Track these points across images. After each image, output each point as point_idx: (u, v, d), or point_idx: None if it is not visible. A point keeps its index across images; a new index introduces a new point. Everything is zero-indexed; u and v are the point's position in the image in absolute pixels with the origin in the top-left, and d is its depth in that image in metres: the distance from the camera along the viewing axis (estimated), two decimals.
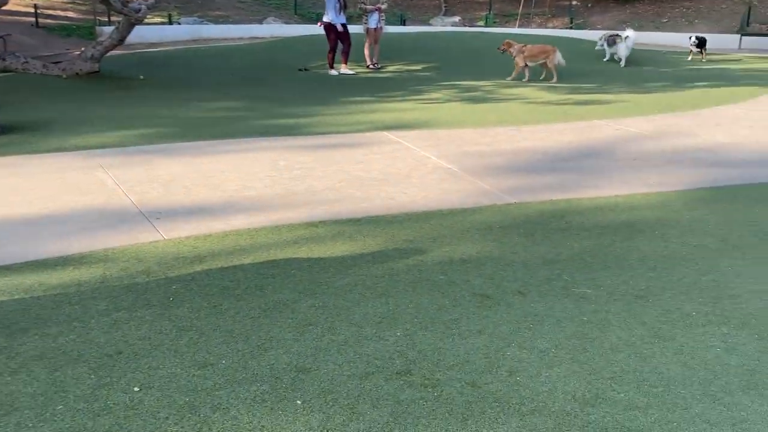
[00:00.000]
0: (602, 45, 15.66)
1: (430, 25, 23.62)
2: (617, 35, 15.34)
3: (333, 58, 12.74)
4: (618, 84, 11.96)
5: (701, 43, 16.21)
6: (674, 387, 2.73)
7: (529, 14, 24.53)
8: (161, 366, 2.87)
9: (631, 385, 2.75)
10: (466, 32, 18.75)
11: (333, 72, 12.68)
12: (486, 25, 23.64)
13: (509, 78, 12.17)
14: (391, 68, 13.55)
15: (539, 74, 12.42)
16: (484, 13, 25.05)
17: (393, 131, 7.91)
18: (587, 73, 13.33)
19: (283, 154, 6.75)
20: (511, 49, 12.11)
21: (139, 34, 16.55)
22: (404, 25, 22.89)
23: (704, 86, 11.66)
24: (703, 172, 6.23)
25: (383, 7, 13.23)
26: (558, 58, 12.10)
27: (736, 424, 2.49)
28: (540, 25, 23.94)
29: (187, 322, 3.26)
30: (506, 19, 24.96)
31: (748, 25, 21.54)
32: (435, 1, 26.97)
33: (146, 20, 13.14)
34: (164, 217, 4.81)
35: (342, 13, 12.66)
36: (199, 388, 2.70)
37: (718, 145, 7.34)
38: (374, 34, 13.28)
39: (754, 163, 6.58)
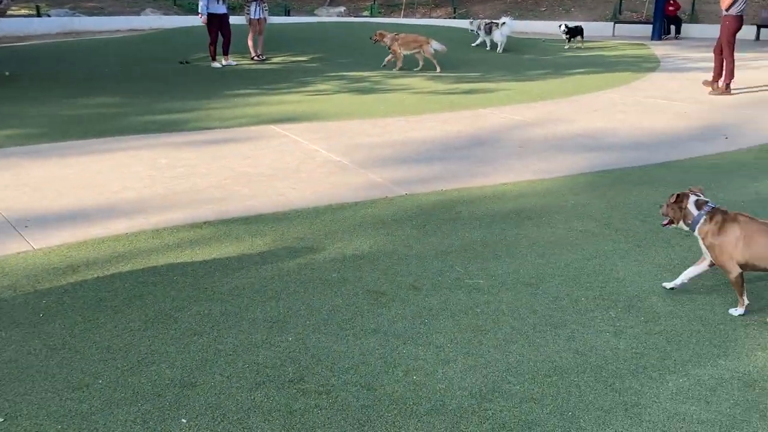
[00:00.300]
0: (477, 31, 15.98)
1: (315, 15, 23.38)
2: (493, 23, 15.74)
3: (215, 50, 12.32)
4: (501, 72, 12.23)
5: (573, 31, 16.81)
6: (568, 375, 2.75)
7: (414, 4, 24.75)
8: (30, 391, 2.61)
9: (526, 376, 2.74)
10: (353, 22, 18.69)
11: (216, 64, 12.27)
12: (371, 15, 23.67)
13: (395, 68, 12.19)
14: (276, 59, 13.27)
15: (426, 65, 12.49)
16: (369, 3, 25.04)
17: (280, 124, 7.72)
18: (471, 62, 13.56)
19: (164, 152, 6.43)
20: (385, 39, 12.14)
21: (1, 28, 15.41)
22: (288, 15, 22.54)
23: (582, 73, 12.11)
24: (584, 158, 6.43)
25: None
26: (434, 47, 12.16)
27: (628, 408, 2.53)
28: (424, 15, 24.20)
29: (59, 340, 3.00)
30: (391, 9, 25.06)
31: (620, 13, 22.64)
32: None
33: (10, 12, 12.22)
34: (33, 225, 4.45)
35: (222, 3, 12.24)
36: (73, 413, 2.47)
37: (596, 130, 7.61)
38: (257, 25, 12.95)
39: (629, 147, 6.85)
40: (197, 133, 7.32)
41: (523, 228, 4.48)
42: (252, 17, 12.92)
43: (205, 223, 4.53)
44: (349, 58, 12.92)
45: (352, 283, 3.62)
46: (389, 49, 12.16)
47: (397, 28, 16.92)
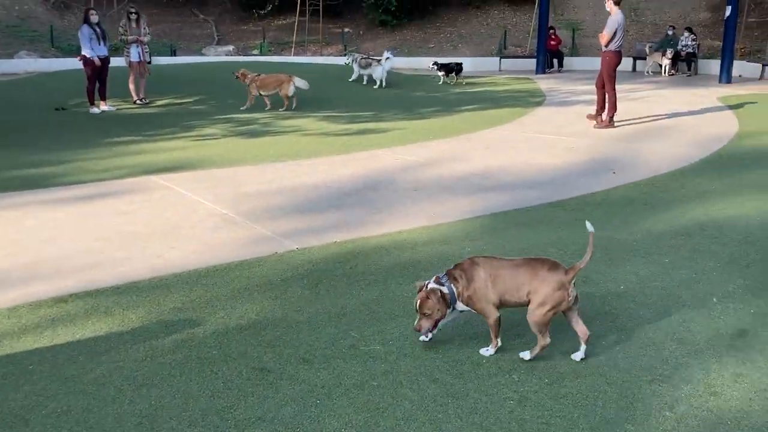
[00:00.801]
0: (353, 64, 16.03)
1: (202, 55, 22.85)
2: (372, 58, 15.95)
3: (93, 95, 11.65)
4: (394, 111, 12.18)
5: (447, 68, 17.06)
6: None
7: (304, 42, 24.65)
8: None
9: None
10: (241, 62, 18.29)
11: (94, 110, 11.60)
12: (261, 54, 23.37)
13: (242, 107, 11.93)
14: (160, 103, 12.71)
15: (307, 103, 12.28)
16: (258, 42, 24.75)
17: (163, 174, 7.26)
18: (364, 101, 13.48)
19: (31, 212, 5.85)
20: (246, 79, 11.93)
21: None
22: (175, 55, 21.91)
23: (472, 110, 12.24)
24: (478, 199, 6.33)
25: (145, 39, 12.38)
26: (294, 86, 11.98)
27: None
28: (315, 53, 24.14)
29: None
30: (281, 47, 24.86)
31: (505, 48, 23.36)
32: (207, 31, 26.21)
33: None
34: None
35: (102, 44, 11.63)
36: None
37: (489, 168, 7.58)
38: (138, 68, 12.38)
39: (522, 186, 6.83)
40: (70, 188, 6.75)
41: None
42: (132, 60, 12.34)
43: (70, 296, 4.05)
44: (237, 99, 12.50)
45: (236, 360, 3.26)
46: (248, 88, 11.99)
47: (287, 68, 16.72)
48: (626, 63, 20.90)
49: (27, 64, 18.92)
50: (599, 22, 25.51)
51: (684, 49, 18.91)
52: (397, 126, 10.45)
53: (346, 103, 13.08)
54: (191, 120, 10.90)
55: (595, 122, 10.41)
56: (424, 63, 22.31)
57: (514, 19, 26.25)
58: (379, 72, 15.46)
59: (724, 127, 10.12)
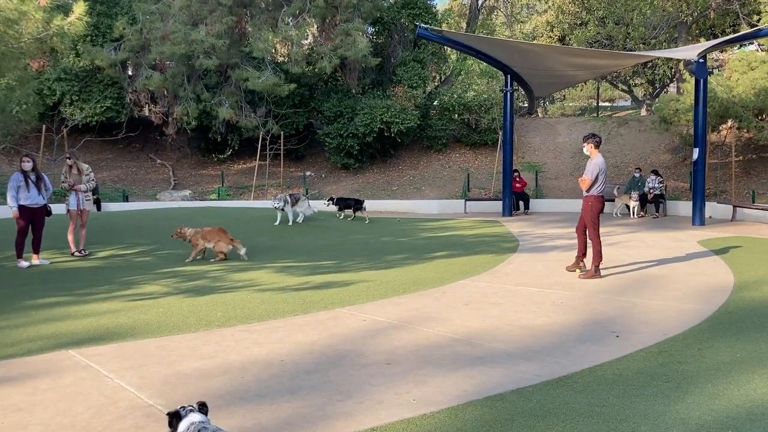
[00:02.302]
0: (279, 205, 15.35)
1: (157, 200, 21.99)
2: (298, 195, 15.55)
3: (21, 247, 10.46)
4: (358, 259, 11.22)
5: (344, 203, 17.30)
6: None
7: (264, 186, 24.08)
8: None
9: None
10: (195, 207, 17.43)
11: (22, 264, 10.36)
12: (219, 198, 22.62)
13: (187, 260, 10.92)
14: (102, 254, 11.53)
15: (264, 252, 11.26)
16: (216, 186, 24.09)
17: (84, 348, 6.02)
18: (326, 248, 12.53)
19: None
20: (186, 234, 11.15)
21: None
22: (127, 201, 21.01)
23: (443, 257, 11.34)
24: (467, 375, 5.21)
25: (82, 188, 11.41)
26: (232, 247, 11.15)
27: None
28: (276, 197, 23.50)
29: None
30: (240, 191, 24.23)
31: (469, 191, 23.04)
32: (164, 176, 25.56)
33: None
34: None
35: (36, 193, 10.58)
36: None
37: (473, 332, 6.52)
38: (77, 216, 11.32)
39: (516, 355, 5.75)
40: None
41: None
42: (70, 208, 11.31)
43: None
44: (187, 248, 11.45)
45: None
46: (190, 242, 11.17)
47: (245, 212, 15.87)
48: None
49: None
50: (560, 164, 25.68)
51: (651, 191, 18.70)
52: (363, 277, 9.43)
53: (307, 251, 12.10)
54: (131, 275, 9.72)
55: (578, 271, 9.57)
56: (389, 206, 21.81)
57: (476, 162, 26.27)
58: (306, 207, 15.67)
59: (718, 276, 9.33)
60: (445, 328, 6.68)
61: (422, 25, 17.67)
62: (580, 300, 7.94)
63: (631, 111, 40.56)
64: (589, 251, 9.59)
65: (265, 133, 24.02)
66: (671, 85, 38.92)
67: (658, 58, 27.27)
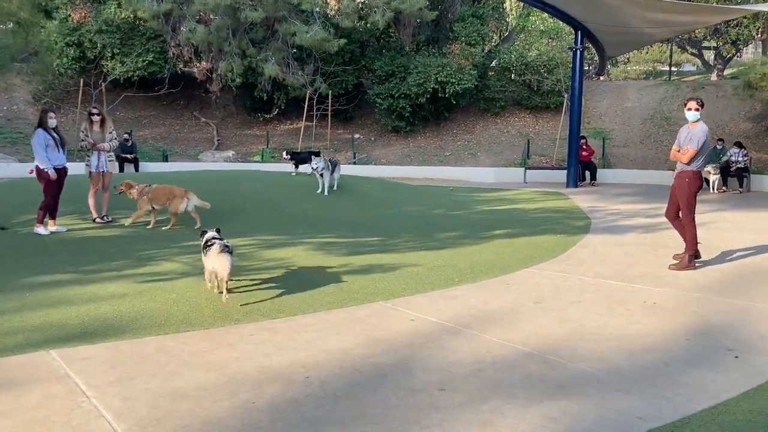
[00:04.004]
0: (319, 166, 13.12)
1: (199, 161, 21.02)
2: (336, 160, 13.90)
3: (45, 213, 9.48)
4: (406, 236, 9.93)
5: (298, 156, 15.26)
6: None
7: (311, 148, 22.86)
8: None
9: None
10: (241, 170, 16.33)
11: (40, 230, 9.38)
12: (263, 161, 21.52)
13: (127, 222, 9.89)
14: (126, 221, 10.44)
15: (303, 224, 10.04)
16: (261, 147, 23.00)
17: (69, 347, 4.93)
18: (371, 221, 11.26)
19: None
20: (132, 191, 9.92)
21: None
22: (167, 161, 20.08)
23: (503, 236, 9.95)
24: (544, 416, 3.90)
25: (106, 147, 10.34)
26: (191, 203, 9.88)
27: None
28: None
29: None
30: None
31: (528, 158, 21.43)
32: (208, 135, 24.59)
33: None
34: None
35: (61, 152, 9.59)
36: None
37: (549, 343, 5.17)
38: (98, 179, 10.28)
39: (608, 383, 4.40)
40: None
41: None
42: (92, 170, 10.27)
43: None
44: (227, 217, 10.34)
45: None
46: (137, 202, 9.95)
47: (285, 179, 14.70)
48: (666, 176, 18.88)
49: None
50: (629, 132, 23.75)
51: (734, 164, 16.83)
52: (411, 260, 8.14)
53: (350, 224, 10.86)
54: (151, 248, 8.62)
55: (676, 262, 8.04)
56: (439, 173, 20.39)
57: (537, 127, 24.54)
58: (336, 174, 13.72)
59: None
60: (513, 335, 5.35)
61: None
62: (676, 300, 6.50)
63: (698, 76, 37.88)
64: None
65: (313, 92, 22.75)
66: (745, 49, 36.01)
67: (749, 15, 24.80)
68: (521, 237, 9.84)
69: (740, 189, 16.82)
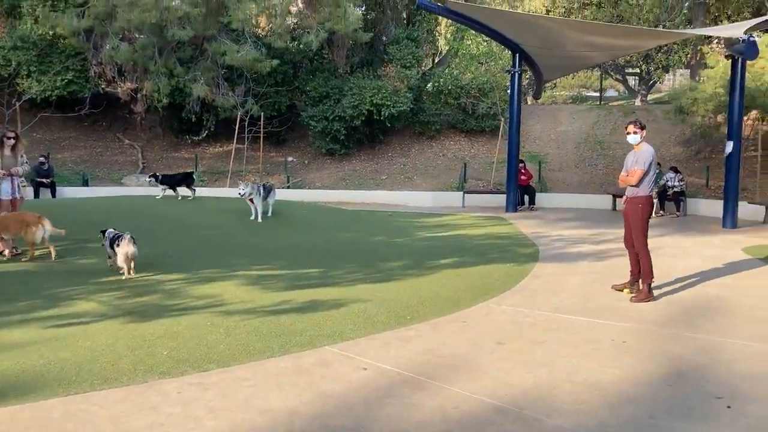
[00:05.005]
0: (246, 192, 12.26)
1: (122, 185, 19.83)
2: (271, 185, 13.09)
3: None
4: (348, 265, 9.25)
5: (170, 180, 14.27)
6: None
7: (242, 171, 21.97)
8: None
9: None
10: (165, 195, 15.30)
11: None
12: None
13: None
14: (38, 253, 9.38)
15: (234, 253, 9.25)
16: (189, 171, 21.95)
17: None
18: (310, 250, 10.54)
19: None
20: None
21: None
22: (87, 185, 18.84)
23: (451, 266, 9.40)
24: None
25: (19, 171, 9.33)
26: (45, 231, 8.85)
27: None
28: (243, 183, 21.37)
29: None
30: (215, 176, 22.13)
31: (465, 181, 21.13)
32: (132, 158, 23.36)
33: None
34: None
35: None
36: None
37: (520, 394, 4.60)
38: (8, 207, 9.24)
39: None
40: None
41: None
42: (2, 198, 9.23)
43: None
44: (154, 247, 9.43)
45: None
46: None
47: (216, 202, 13.86)
48: (604, 200, 18.88)
49: None
50: (564, 155, 23.79)
51: (671, 188, 16.91)
52: (357, 294, 7.47)
53: (287, 254, 10.11)
54: (66, 285, 7.66)
55: (626, 291, 7.70)
56: (378, 197, 19.85)
57: (472, 151, 24.37)
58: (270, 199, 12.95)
59: None
60: (480, 386, 4.75)
61: None
62: (645, 337, 6.05)
63: (622, 101, 38.82)
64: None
65: (244, 114, 21.90)
66: (667, 76, 37.13)
67: (679, 41, 25.40)
68: (470, 267, 9.32)
69: (677, 213, 16.88)
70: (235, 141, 21.68)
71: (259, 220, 12.36)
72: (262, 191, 12.46)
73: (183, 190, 14.23)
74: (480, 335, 6.01)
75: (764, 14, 22.83)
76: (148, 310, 6.63)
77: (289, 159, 24.07)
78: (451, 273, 8.88)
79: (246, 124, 21.88)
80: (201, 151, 24.35)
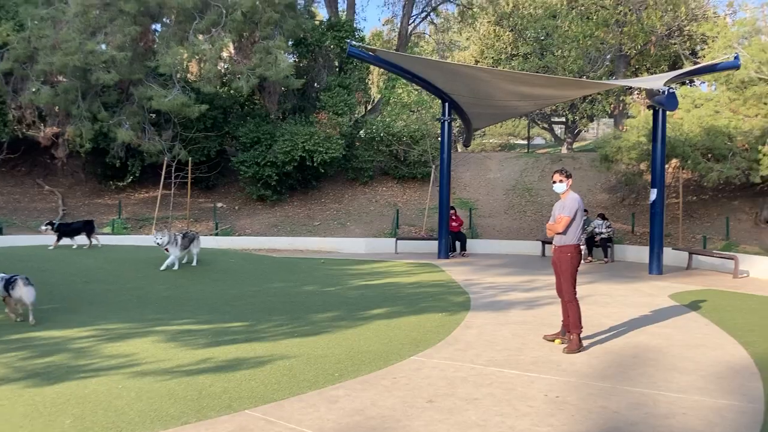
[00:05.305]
0: (162, 241, 11.83)
1: (39, 233, 18.85)
2: (193, 234, 12.61)
3: None
4: (276, 318, 8.88)
5: (65, 229, 13.72)
6: None
7: (168, 218, 21.30)
8: None
9: None
10: (81, 244, 14.59)
11: None
12: (114, 233, 19.70)
13: None
14: None
15: (155, 307, 8.77)
16: (112, 218, 21.15)
17: None
18: (235, 301, 10.11)
19: None
20: None
21: None
22: (1, 234, 17.86)
23: (383, 316, 9.15)
24: None
25: None
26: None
27: None
28: (181, 231, 20.72)
29: None
30: (140, 223, 21.35)
31: (398, 228, 21.03)
32: (52, 204, 22.37)
33: None
34: None
35: None
36: None
37: None
38: None
39: None
40: None
41: None
42: None
43: None
44: (64, 303, 8.82)
45: None
46: None
47: (137, 250, 13.28)
48: (534, 247, 19.05)
49: None
50: (493, 202, 24.04)
51: (599, 235, 17.20)
52: (283, 350, 7.11)
53: (211, 306, 9.66)
54: None
55: (557, 342, 7.60)
56: (310, 244, 19.51)
57: (405, 197, 24.38)
58: (195, 248, 12.58)
59: (725, 348, 7.54)
60: None
61: (353, 42, 15.70)
62: (580, 391, 5.90)
63: (549, 149, 39.91)
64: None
65: (171, 159, 21.33)
66: (591, 125, 38.48)
67: (602, 92, 26.29)
68: (402, 317, 9.07)
69: (605, 259, 17.14)
70: (161, 187, 21.04)
71: (176, 267, 11.88)
72: (179, 240, 11.98)
73: (81, 239, 13.65)
74: (411, 393, 5.74)
75: (681, 67, 23.94)
76: (53, 372, 6.11)
77: (219, 205, 23.53)
78: (383, 324, 8.61)
79: (173, 169, 21.30)
80: (126, 197, 23.56)
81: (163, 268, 11.82)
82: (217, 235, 20.48)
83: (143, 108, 21.29)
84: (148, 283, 10.98)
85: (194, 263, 12.32)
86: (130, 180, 23.13)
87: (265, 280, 12.38)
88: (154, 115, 21.98)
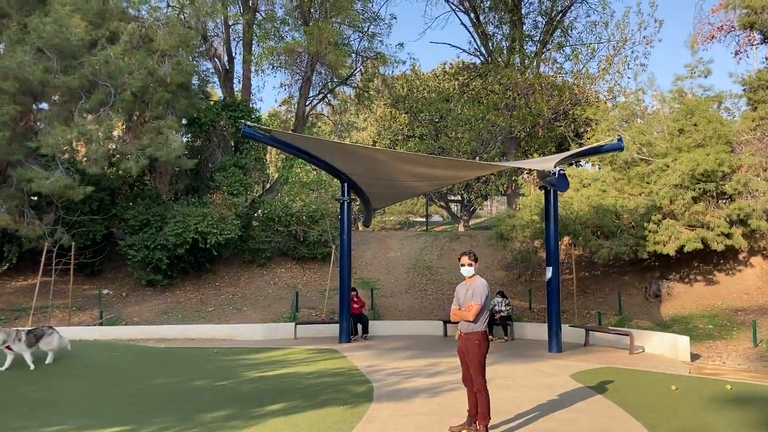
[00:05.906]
0: (1, 340, 10.63)
1: None
2: (42, 330, 11.40)
3: None
4: (160, 420, 8.07)
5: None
6: None
7: (48, 307, 19.75)
8: None
9: None
10: None
11: None
12: None
13: None
14: None
15: (17, 410, 7.80)
16: None
17: None
18: (116, 399, 9.19)
19: None
20: None
21: None
22: None
23: (278, 413, 8.51)
24: None
25: None
26: None
27: None
28: (63, 321, 19.22)
29: None
30: (16, 314, 19.69)
31: (298, 311, 20.36)
32: None
33: None
34: None
35: None
36: None
37: None
38: None
39: None
40: None
41: None
42: None
43: None
44: None
45: None
46: None
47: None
48: (436, 327, 18.82)
49: None
50: (395, 281, 23.85)
51: (498, 313, 17.22)
52: None
53: (86, 408, 8.72)
54: None
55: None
56: (204, 332, 18.49)
57: (305, 278, 23.84)
58: (55, 341, 11.31)
59: None
60: None
61: (248, 123, 15.39)
62: None
63: (446, 226, 40.64)
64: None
65: (53, 244, 19.97)
66: (485, 203, 39.57)
67: (495, 172, 27.03)
68: (300, 412, 8.46)
69: (505, 337, 17.12)
70: (40, 274, 19.56)
71: (31, 367, 10.71)
72: (23, 337, 10.81)
73: None
74: None
75: (567, 148, 25.06)
76: None
77: (105, 291, 22.14)
78: (280, 422, 7.98)
79: (54, 255, 19.92)
80: (1, 285, 21.78)
81: (3, 368, 10.60)
82: (101, 324, 19.12)
83: (23, 191, 19.97)
84: (15, 383, 9.87)
85: (48, 361, 11.15)
86: (6, 267, 21.46)
87: (151, 375, 11.45)
88: (35, 198, 20.67)
